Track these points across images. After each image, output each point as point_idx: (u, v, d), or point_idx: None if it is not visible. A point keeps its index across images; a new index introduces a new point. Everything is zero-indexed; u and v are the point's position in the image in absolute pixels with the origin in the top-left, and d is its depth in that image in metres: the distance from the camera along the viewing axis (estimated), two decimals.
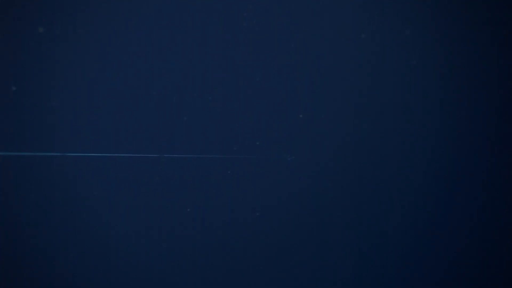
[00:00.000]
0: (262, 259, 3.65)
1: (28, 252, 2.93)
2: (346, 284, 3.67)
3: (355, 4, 3.60)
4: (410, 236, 3.70)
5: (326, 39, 3.68)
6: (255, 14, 3.63)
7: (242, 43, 3.66)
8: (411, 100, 3.67)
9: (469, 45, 3.56)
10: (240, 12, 3.60)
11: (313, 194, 3.76)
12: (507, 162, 3.59)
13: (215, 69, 3.60)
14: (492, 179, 3.61)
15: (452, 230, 3.66)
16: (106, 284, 3.16)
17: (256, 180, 3.71)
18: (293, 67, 3.72)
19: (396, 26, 3.60)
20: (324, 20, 3.66)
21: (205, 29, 3.53)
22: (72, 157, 2.97)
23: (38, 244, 2.95)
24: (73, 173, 2.99)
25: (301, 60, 3.72)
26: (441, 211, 3.67)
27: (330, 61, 3.70)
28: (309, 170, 3.76)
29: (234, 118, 3.68)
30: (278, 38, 3.69)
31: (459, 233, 3.65)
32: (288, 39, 3.70)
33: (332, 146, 3.75)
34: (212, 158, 3.62)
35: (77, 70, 3.00)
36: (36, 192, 2.89)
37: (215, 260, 3.54)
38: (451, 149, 3.65)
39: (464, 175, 3.64)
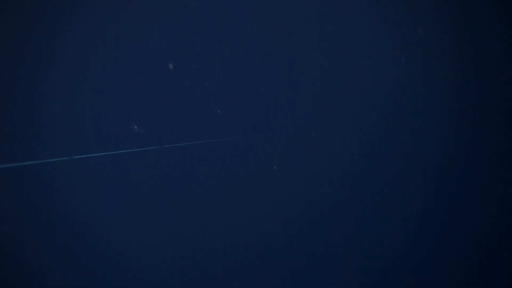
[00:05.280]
0: (262, 257, 3.66)
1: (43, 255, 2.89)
2: (345, 283, 3.69)
3: (355, 5, 3.59)
4: (410, 235, 3.72)
5: (326, 41, 3.68)
6: (253, 15, 3.62)
7: (242, 43, 3.65)
8: (411, 101, 3.67)
9: (469, 45, 3.56)
10: (237, 14, 3.59)
11: (312, 195, 3.77)
12: (507, 162, 3.60)
13: (213, 73, 3.59)
14: (492, 179, 3.63)
15: (452, 230, 3.67)
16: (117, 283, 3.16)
17: (257, 180, 3.72)
18: (293, 68, 3.72)
19: (396, 28, 3.60)
20: (324, 21, 3.65)
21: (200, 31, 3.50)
22: (67, 161, 2.91)
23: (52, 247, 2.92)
24: (68, 177, 2.94)
25: (302, 61, 3.71)
26: (441, 212, 3.69)
27: (330, 62, 3.70)
28: (308, 171, 3.77)
29: (236, 119, 3.68)
30: (276, 38, 3.68)
31: (458, 233, 3.67)
32: (287, 40, 3.69)
33: (332, 147, 3.76)
34: (213, 154, 3.62)
35: (59, 74, 2.93)
36: (41, 198, 2.84)
37: (215, 257, 3.55)
38: (451, 149, 3.66)
39: (464, 176, 3.66)
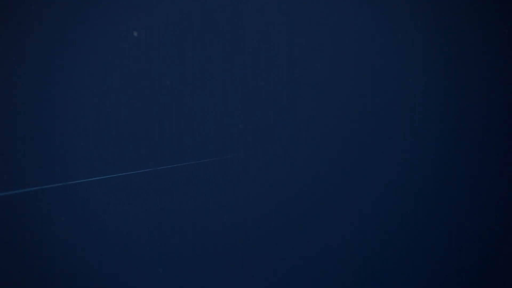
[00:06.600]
0: (262, 259, 3.67)
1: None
2: (345, 284, 3.70)
3: (356, 6, 3.58)
4: (410, 236, 3.71)
5: (327, 41, 3.67)
6: (254, 17, 3.62)
7: (242, 46, 3.65)
8: (412, 102, 3.66)
9: (469, 45, 3.53)
10: (238, 18, 3.59)
11: (313, 195, 3.77)
12: (507, 162, 3.58)
13: (214, 70, 3.60)
14: (492, 179, 3.61)
15: (452, 230, 3.66)
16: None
17: (258, 180, 3.73)
18: (295, 70, 3.71)
19: (397, 28, 3.58)
20: (325, 22, 3.64)
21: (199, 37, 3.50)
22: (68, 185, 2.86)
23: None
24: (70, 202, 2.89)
25: (303, 62, 3.71)
26: (441, 212, 3.68)
27: (331, 63, 3.69)
28: (310, 171, 3.77)
29: (237, 120, 3.69)
30: (278, 40, 3.68)
31: (459, 234, 3.66)
32: (289, 41, 3.68)
33: (333, 147, 3.76)
34: (213, 161, 3.63)
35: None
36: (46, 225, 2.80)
37: (215, 265, 3.56)
38: (451, 150, 3.64)
39: (464, 177, 3.64)
